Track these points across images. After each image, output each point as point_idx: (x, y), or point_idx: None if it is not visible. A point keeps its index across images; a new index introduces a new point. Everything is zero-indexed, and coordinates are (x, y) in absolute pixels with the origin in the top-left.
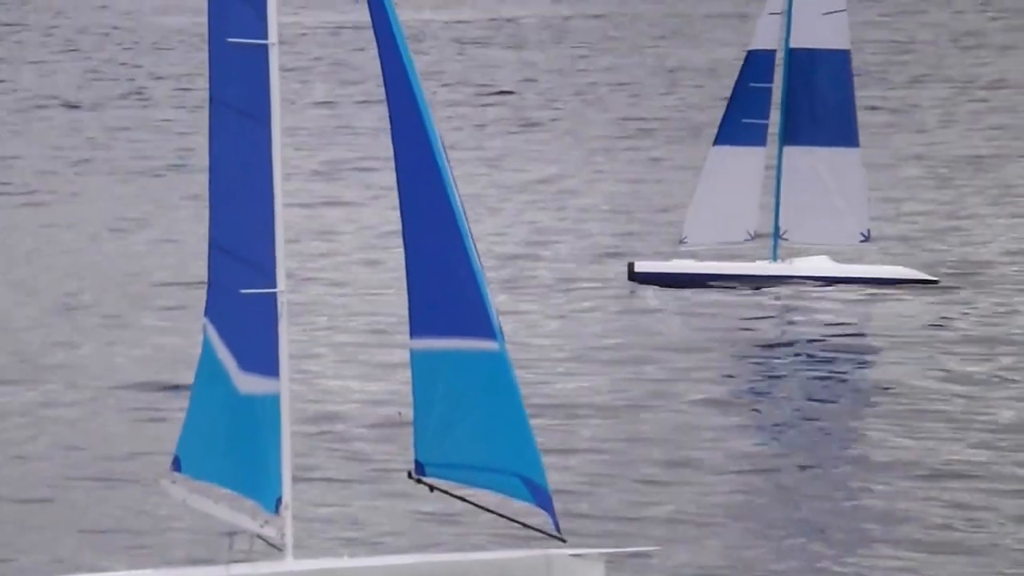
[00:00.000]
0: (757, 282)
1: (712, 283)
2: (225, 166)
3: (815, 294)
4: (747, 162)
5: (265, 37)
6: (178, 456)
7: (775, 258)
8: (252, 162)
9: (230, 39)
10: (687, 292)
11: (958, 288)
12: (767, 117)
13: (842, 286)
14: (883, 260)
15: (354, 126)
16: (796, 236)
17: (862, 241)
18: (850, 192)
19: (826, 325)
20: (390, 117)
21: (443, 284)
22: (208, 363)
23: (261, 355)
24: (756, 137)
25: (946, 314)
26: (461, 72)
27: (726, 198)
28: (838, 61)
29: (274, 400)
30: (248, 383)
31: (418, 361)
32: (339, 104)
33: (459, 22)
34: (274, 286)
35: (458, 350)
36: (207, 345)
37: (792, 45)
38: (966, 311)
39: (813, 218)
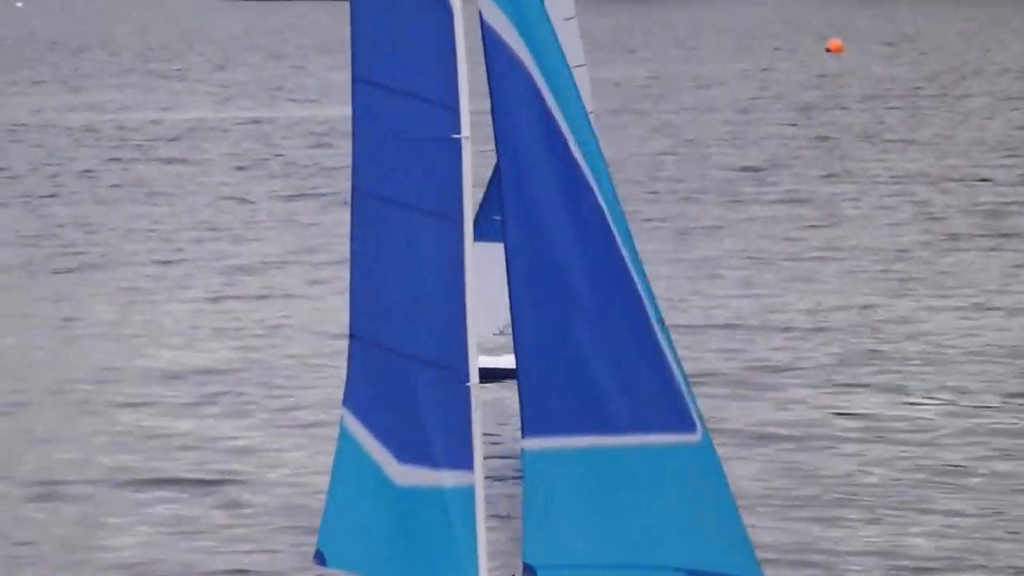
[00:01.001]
0: (507, 375)
1: None
2: (379, 261)
3: None
4: (498, 257)
5: (450, 131)
6: (322, 550)
7: None
8: (423, 257)
9: (410, 134)
10: None
11: None
12: None
13: None
14: None
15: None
16: None
17: None
18: None
19: None
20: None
21: (597, 363)
22: (350, 454)
23: (428, 446)
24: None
25: None
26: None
27: (478, 293)
28: None
29: (455, 492)
30: (408, 475)
31: (538, 460)
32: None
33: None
34: (462, 380)
35: (625, 446)
36: (347, 436)
37: None
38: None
39: None
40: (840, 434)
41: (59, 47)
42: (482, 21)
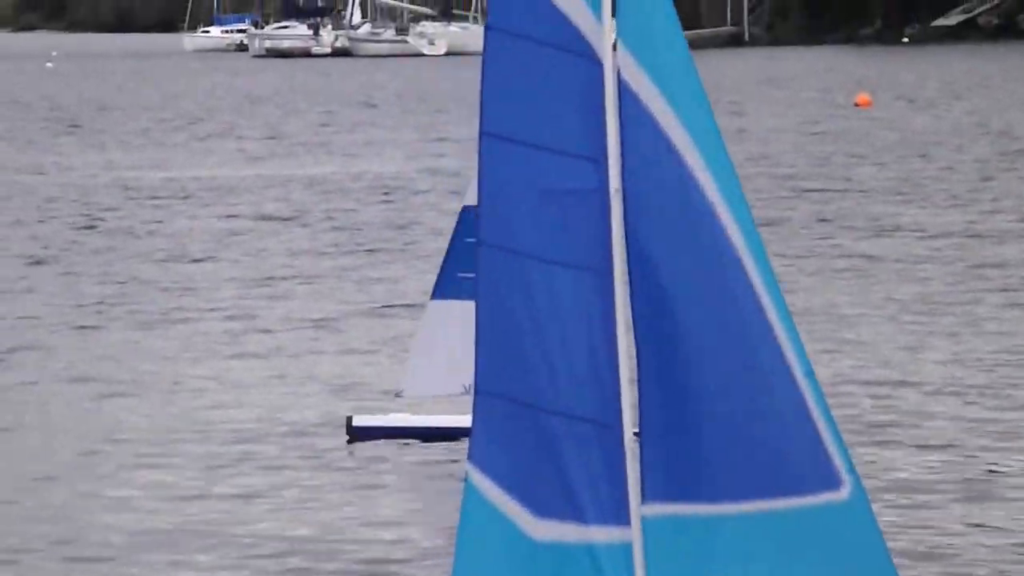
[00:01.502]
0: (468, 435)
1: (428, 437)
2: (512, 314)
3: None
4: (464, 315)
5: (595, 183)
6: None
7: None
8: (566, 310)
9: (548, 187)
10: (405, 446)
11: None
12: None
13: None
14: None
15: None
16: None
17: None
18: None
19: None
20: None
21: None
22: (478, 511)
23: (573, 501)
24: (473, 291)
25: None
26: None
27: (444, 351)
28: None
29: (608, 549)
30: (549, 530)
31: (660, 528)
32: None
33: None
34: (616, 434)
35: (763, 511)
36: (474, 493)
37: None
38: None
39: None
40: (932, 488)
41: (103, 107)
42: (620, 76)
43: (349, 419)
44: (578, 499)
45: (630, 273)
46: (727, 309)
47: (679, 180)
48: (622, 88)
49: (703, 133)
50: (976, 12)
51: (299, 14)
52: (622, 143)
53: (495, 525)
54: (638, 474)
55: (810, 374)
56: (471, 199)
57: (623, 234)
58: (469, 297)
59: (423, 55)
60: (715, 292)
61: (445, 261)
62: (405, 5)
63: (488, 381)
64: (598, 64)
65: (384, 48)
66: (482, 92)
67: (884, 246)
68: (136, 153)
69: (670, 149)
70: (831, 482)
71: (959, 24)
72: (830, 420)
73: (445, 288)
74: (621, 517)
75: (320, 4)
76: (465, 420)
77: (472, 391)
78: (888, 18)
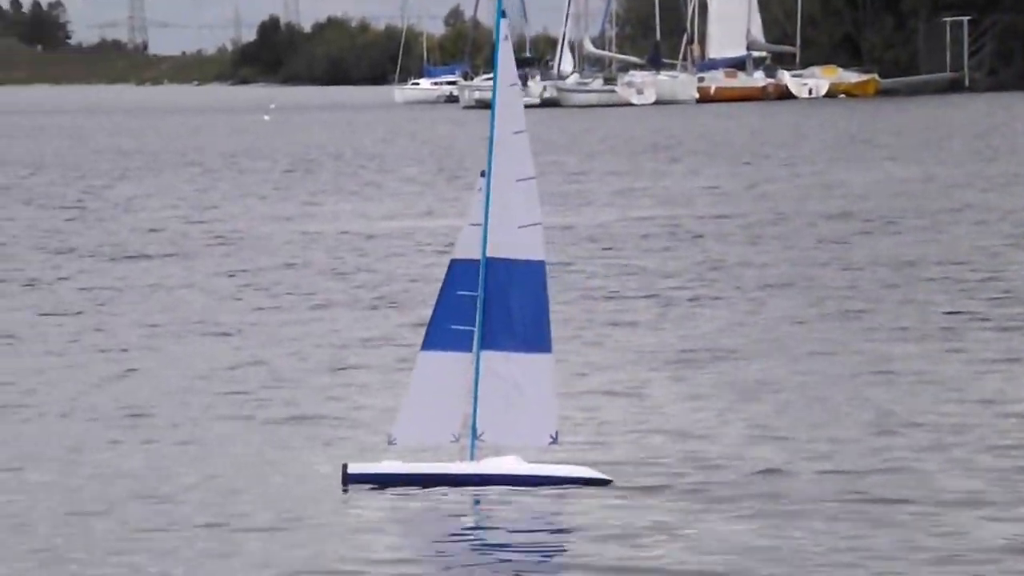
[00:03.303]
0: (456, 481)
1: (419, 484)
2: None
3: (505, 492)
4: (454, 367)
5: None
6: None
7: (472, 458)
8: None
9: None
10: (399, 492)
11: (632, 488)
12: (474, 323)
13: (531, 486)
14: (568, 460)
15: None
16: (492, 437)
17: (551, 443)
18: (541, 396)
19: (512, 520)
20: None
21: None
22: None
23: None
24: (463, 343)
25: (615, 513)
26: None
27: (434, 401)
28: (533, 271)
29: None
30: None
31: None
32: None
33: None
34: None
35: None
36: None
37: (490, 255)
38: (638, 510)
39: (507, 420)
40: None
41: (341, 158)
42: None
43: (344, 466)
44: None
45: None
46: None
47: None
48: None
49: None
50: None
51: None
52: None
53: None
54: None
55: None
56: (460, 253)
57: None
58: (459, 349)
59: (632, 104)
60: None
61: (435, 313)
62: (613, 55)
63: None
64: None
65: (592, 98)
66: None
67: None
68: (385, 203)
69: None
70: None
71: None
72: None
73: (435, 340)
74: None
75: (528, 55)
76: (455, 467)
77: None
78: None
